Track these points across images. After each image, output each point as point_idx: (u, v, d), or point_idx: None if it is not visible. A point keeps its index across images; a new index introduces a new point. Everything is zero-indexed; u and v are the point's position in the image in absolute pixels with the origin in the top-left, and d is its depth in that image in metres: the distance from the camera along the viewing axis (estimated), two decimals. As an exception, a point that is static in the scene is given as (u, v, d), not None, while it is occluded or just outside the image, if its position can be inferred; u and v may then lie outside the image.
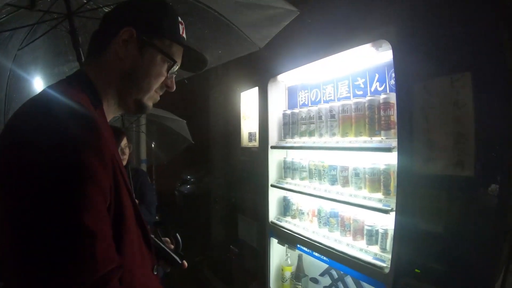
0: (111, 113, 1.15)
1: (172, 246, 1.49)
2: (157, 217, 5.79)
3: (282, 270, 3.07)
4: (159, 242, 1.40)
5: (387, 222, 2.07)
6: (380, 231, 2.16)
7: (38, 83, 2.69)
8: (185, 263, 1.43)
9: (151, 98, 1.19)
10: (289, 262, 3.03)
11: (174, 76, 1.24)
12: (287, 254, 3.05)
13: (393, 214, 1.94)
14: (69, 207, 0.72)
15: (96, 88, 1.06)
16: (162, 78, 1.18)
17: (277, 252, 3.15)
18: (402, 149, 1.86)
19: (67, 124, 0.78)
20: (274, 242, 3.06)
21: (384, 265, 2.03)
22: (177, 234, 1.50)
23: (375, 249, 2.20)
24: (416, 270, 1.83)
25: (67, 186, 0.73)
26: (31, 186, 0.71)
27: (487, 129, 1.55)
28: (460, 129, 1.61)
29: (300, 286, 2.87)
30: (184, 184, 5.53)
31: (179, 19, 1.21)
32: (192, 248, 5.24)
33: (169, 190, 5.63)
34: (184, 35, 1.23)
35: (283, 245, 2.92)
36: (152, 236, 1.33)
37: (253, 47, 2.40)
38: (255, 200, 3.23)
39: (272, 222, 3.04)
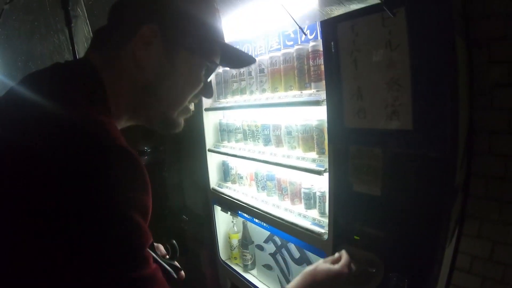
0: (119, 126, 0.85)
1: (166, 255, 1.27)
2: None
3: (229, 238, 2.81)
4: (152, 253, 1.13)
5: (324, 184, 1.78)
6: (318, 194, 1.88)
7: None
8: (183, 274, 1.19)
9: (183, 113, 0.93)
10: (236, 230, 2.77)
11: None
12: (232, 221, 2.78)
13: (327, 175, 1.66)
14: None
15: (107, 96, 0.77)
16: (199, 86, 0.91)
17: (223, 220, 2.88)
18: (330, 101, 1.56)
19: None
20: (218, 209, 2.77)
21: (323, 231, 1.77)
22: (174, 241, 1.28)
23: (314, 213, 1.94)
24: (356, 237, 1.57)
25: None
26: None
27: (425, 73, 1.25)
28: (394, 75, 1.31)
29: (248, 254, 2.62)
30: (142, 156, 5.17)
31: (215, 5, 0.91)
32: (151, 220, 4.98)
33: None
34: (222, 26, 0.93)
35: (226, 212, 2.63)
36: None
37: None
38: (196, 166, 2.91)
39: (213, 189, 2.74)
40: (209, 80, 0.93)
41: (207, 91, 0.95)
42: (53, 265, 0.58)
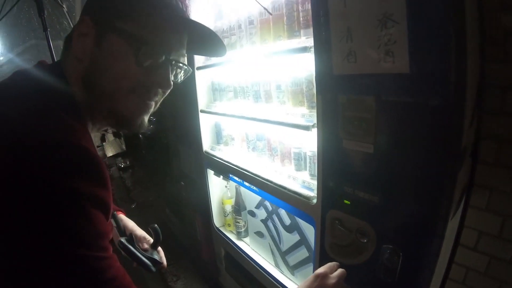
0: (94, 129, 0.91)
1: (150, 240, 1.36)
2: (127, 162, 5.47)
3: (223, 203, 2.65)
4: (130, 247, 1.23)
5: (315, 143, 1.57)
6: (309, 154, 1.68)
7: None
8: (164, 265, 1.32)
9: (135, 107, 0.86)
10: (229, 195, 2.60)
11: (168, 67, 0.86)
12: (226, 186, 2.60)
13: (315, 131, 1.45)
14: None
15: (76, 98, 0.80)
16: (137, 75, 0.81)
17: (216, 185, 2.71)
18: (318, 46, 1.33)
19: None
20: (211, 173, 2.60)
21: (312, 194, 1.57)
22: (156, 226, 1.31)
23: (305, 175, 1.74)
24: (346, 201, 1.36)
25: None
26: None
27: (424, 5, 1.00)
28: (387, 9, 1.07)
29: (241, 220, 2.45)
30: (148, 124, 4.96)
31: None
32: (151, 188, 4.87)
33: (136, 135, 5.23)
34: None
35: (218, 176, 2.45)
36: (123, 240, 1.23)
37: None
38: (190, 129, 2.71)
39: (206, 152, 2.55)
40: (154, 65, 0.84)
41: (159, 81, 0.86)
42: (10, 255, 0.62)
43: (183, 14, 0.90)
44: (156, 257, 1.27)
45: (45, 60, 0.87)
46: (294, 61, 1.70)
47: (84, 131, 0.75)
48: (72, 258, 0.63)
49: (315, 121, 1.45)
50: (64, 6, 2.69)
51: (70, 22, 2.93)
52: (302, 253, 1.93)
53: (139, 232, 1.36)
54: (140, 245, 1.32)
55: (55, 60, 2.66)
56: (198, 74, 2.48)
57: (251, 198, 2.32)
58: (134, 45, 0.79)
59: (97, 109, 0.84)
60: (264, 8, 1.55)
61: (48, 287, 0.64)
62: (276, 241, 2.14)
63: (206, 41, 0.97)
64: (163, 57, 0.84)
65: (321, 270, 1.09)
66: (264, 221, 2.23)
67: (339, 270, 1.09)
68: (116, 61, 0.80)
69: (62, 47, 0.86)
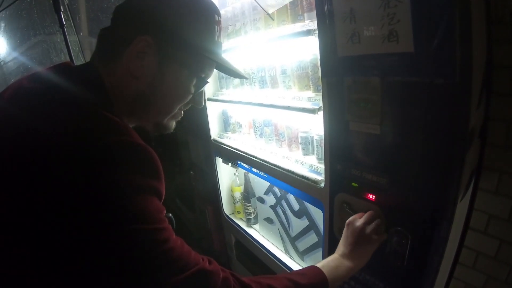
0: None
1: None
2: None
3: (232, 191, 2.66)
4: None
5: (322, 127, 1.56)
6: (316, 138, 1.68)
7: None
8: None
9: (173, 117, 1.00)
10: (238, 182, 2.60)
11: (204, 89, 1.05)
12: (235, 174, 2.61)
13: (321, 114, 1.45)
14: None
15: (111, 101, 0.85)
16: (189, 97, 0.97)
17: (225, 173, 2.72)
18: (322, 28, 1.33)
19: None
20: (219, 161, 2.61)
21: (320, 178, 1.57)
22: (170, 215, 1.23)
23: (312, 159, 1.74)
24: (354, 184, 1.37)
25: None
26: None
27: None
28: (390, -13, 1.06)
29: (250, 207, 2.47)
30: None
31: (216, 17, 0.93)
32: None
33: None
34: (220, 38, 0.97)
35: (227, 163, 2.46)
36: None
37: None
38: (198, 118, 2.72)
39: (214, 140, 2.56)
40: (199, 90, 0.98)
41: (198, 101, 1.03)
42: (77, 238, 0.68)
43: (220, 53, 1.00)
44: None
45: (70, 62, 0.89)
46: (298, 45, 1.70)
47: (134, 132, 0.81)
48: (136, 232, 0.70)
49: (321, 104, 1.45)
50: (65, -4, 2.67)
51: (69, 14, 2.95)
52: (311, 238, 1.94)
53: None
54: None
55: (72, 57, 2.69)
56: (204, 63, 2.48)
57: (260, 184, 2.33)
58: (193, 75, 0.92)
59: (142, 119, 0.95)
60: (267, 14, 1.62)
61: (118, 261, 0.72)
62: (285, 227, 2.15)
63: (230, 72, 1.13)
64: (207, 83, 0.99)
65: (350, 218, 1.26)
66: (273, 207, 2.24)
67: (367, 213, 1.26)
68: (179, 88, 0.92)
69: (97, 48, 0.89)
